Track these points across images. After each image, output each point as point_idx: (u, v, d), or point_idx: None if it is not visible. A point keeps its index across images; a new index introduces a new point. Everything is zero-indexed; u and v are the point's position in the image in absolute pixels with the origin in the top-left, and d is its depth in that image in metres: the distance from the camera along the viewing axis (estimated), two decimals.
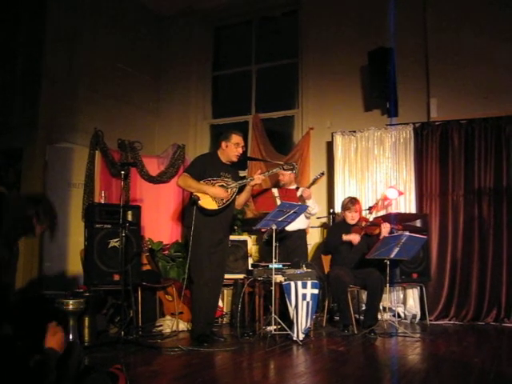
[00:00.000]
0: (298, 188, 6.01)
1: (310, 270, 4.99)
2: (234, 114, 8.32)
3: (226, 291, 6.12)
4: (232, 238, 6.05)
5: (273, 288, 4.77)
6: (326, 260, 5.83)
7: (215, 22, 8.61)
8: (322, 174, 5.96)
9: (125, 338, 4.56)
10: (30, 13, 6.55)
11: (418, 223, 6.22)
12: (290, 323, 4.77)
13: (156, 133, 8.25)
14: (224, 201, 4.71)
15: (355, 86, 7.13)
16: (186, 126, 8.24)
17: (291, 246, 5.88)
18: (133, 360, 4.03)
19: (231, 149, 4.86)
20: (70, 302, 4.24)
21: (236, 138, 4.87)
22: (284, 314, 4.90)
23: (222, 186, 4.75)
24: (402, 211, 6.33)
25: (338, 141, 6.78)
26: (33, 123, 6.33)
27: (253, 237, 6.81)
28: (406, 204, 6.41)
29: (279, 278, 4.88)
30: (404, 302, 6.22)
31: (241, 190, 4.90)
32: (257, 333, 4.97)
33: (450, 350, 4.50)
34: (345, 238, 5.49)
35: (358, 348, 4.67)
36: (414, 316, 6.11)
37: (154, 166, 6.96)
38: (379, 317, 5.62)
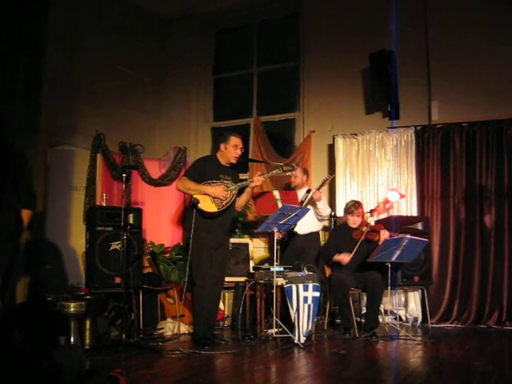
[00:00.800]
0: (309, 190, 5.95)
1: (311, 273, 4.98)
2: (235, 117, 8.32)
3: (227, 294, 6.12)
4: (233, 240, 6.06)
5: (274, 291, 4.77)
6: None
7: (217, 25, 8.62)
8: (331, 174, 5.91)
9: (126, 341, 4.55)
10: (31, 16, 6.55)
11: (420, 226, 6.20)
12: (291, 326, 4.77)
13: (157, 135, 8.25)
14: (224, 203, 4.71)
15: (356, 89, 7.14)
16: (188, 129, 8.25)
17: (301, 249, 5.85)
18: (134, 363, 4.03)
19: (230, 151, 4.86)
20: (71, 304, 4.24)
21: (234, 140, 4.86)
22: (285, 316, 4.90)
23: None
24: (404, 214, 6.33)
25: (340, 144, 6.78)
26: (34, 126, 6.33)
27: (254, 240, 6.81)
28: (408, 207, 6.41)
29: (280, 281, 4.87)
30: (405, 305, 6.21)
31: (241, 192, 4.90)
32: (258, 336, 4.96)
33: (451, 353, 4.49)
34: (335, 258, 5.46)
35: (359, 351, 4.67)
36: (416, 319, 6.10)
37: (155, 169, 6.97)
38: (380, 320, 5.61)
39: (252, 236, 6.75)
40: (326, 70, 7.38)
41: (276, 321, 4.78)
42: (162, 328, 5.38)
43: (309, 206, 5.72)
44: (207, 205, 4.66)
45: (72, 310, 4.22)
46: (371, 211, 6.20)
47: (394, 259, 5.07)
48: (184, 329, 5.41)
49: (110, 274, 5.18)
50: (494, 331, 5.66)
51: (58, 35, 6.61)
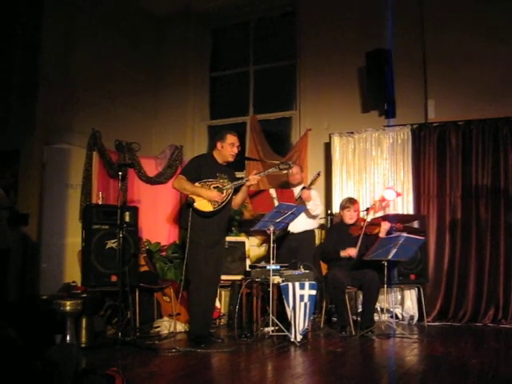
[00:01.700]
0: (304, 188, 5.95)
1: (307, 271, 4.99)
2: (231, 115, 8.30)
3: (223, 292, 6.12)
4: (229, 239, 6.06)
5: (270, 289, 4.77)
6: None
7: (213, 23, 8.60)
8: (319, 174, 5.92)
9: (122, 339, 4.56)
10: (27, 13, 6.53)
11: (416, 224, 6.23)
12: (287, 324, 4.77)
13: (153, 134, 8.23)
14: (219, 202, 4.71)
15: (353, 88, 7.13)
16: (184, 127, 8.23)
17: (296, 248, 5.86)
18: (130, 361, 4.02)
19: (226, 149, 4.86)
20: (68, 303, 4.22)
21: (231, 138, 4.86)
22: (282, 315, 4.90)
23: (217, 187, 4.76)
24: (400, 212, 6.33)
25: (336, 142, 6.78)
26: (30, 124, 6.31)
27: (250, 238, 6.81)
28: (404, 205, 6.42)
29: (277, 279, 4.88)
30: (402, 303, 6.22)
31: (237, 190, 4.90)
32: (254, 334, 4.96)
33: (447, 351, 4.49)
34: (342, 254, 5.47)
35: (355, 349, 4.67)
36: (412, 317, 6.11)
37: (151, 167, 6.96)
38: (377, 318, 5.62)
39: (248, 234, 6.75)
40: (322, 68, 7.37)
41: (272, 319, 4.77)
42: (159, 326, 5.38)
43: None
44: (203, 204, 4.66)
45: (68, 308, 4.20)
46: (367, 209, 6.20)
47: (390, 257, 5.08)
48: (180, 327, 5.41)
49: (106, 273, 5.17)
50: (489, 329, 5.67)
51: (54, 33, 6.58)
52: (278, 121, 8.01)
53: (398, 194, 6.31)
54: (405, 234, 5.04)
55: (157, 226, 6.80)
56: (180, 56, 8.37)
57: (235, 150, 4.88)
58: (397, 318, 6.11)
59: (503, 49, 6.22)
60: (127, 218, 5.40)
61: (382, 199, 6.37)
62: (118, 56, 7.54)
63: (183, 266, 4.68)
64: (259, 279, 5.02)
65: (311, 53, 7.50)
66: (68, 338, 4.14)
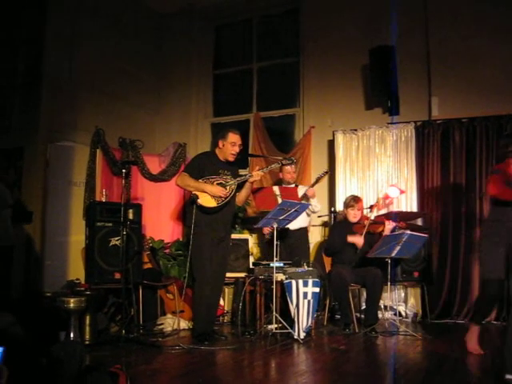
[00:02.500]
0: (297, 186, 5.98)
1: (311, 269, 4.99)
2: (234, 113, 8.30)
3: (227, 290, 6.13)
4: (233, 236, 6.05)
5: (274, 286, 4.78)
6: (327, 258, 5.82)
7: (216, 20, 8.59)
8: (326, 172, 5.89)
9: (126, 337, 4.56)
10: (31, 12, 6.55)
11: (419, 222, 6.21)
12: (291, 322, 4.77)
13: (157, 131, 8.24)
14: (223, 198, 4.71)
15: (356, 85, 7.12)
16: (187, 125, 8.23)
17: (293, 245, 5.87)
18: (134, 358, 4.03)
19: (227, 148, 4.84)
20: (71, 300, 4.24)
21: (232, 137, 4.84)
22: (285, 312, 4.91)
23: (220, 183, 4.75)
24: (403, 210, 6.32)
25: (340, 139, 6.77)
26: (34, 122, 6.33)
27: (254, 235, 6.81)
28: (408, 202, 6.41)
29: (280, 277, 4.88)
30: (405, 301, 6.23)
31: (241, 187, 4.89)
32: (258, 331, 4.97)
33: (451, 348, 4.49)
34: (350, 239, 5.47)
35: (359, 347, 4.67)
36: (415, 314, 6.11)
37: (155, 165, 6.96)
38: (380, 315, 5.61)
39: (252, 231, 6.75)
40: (325, 65, 7.36)
41: (276, 316, 4.77)
42: (162, 324, 5.39)
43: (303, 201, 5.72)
44: (207, 200, 4.66)
45: (72, 305, 4.22)
46: (371, 207, 6.20)
47: (393, 255, 5.07)
48: (184, 324, 5.41)
49: (109, 270, 5.18)
50: (494, 327, 5.66)
51: (58, 31, 6.59)
52: (282, 118, 8.00)
53: (402, 192, 6.30)
54: (408, 232, 5.03)
55: (160, 223, 6.82)
56: (183, 53, 8.36)
57: (236, 150, 4.86)
58: (400, 315, 6.09)
59: (507, 47, 6.19)
60: (131, 216, 5.40)
61: (386, 196, 6.36)
62: (121, 54, 7.55)
63: (187, 263, 4.68)
64: (263, 276, 5.03)
65: (314, 50, 7.48)
66: (72, 335, 4.16)
